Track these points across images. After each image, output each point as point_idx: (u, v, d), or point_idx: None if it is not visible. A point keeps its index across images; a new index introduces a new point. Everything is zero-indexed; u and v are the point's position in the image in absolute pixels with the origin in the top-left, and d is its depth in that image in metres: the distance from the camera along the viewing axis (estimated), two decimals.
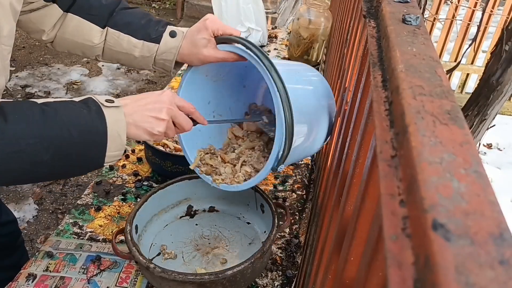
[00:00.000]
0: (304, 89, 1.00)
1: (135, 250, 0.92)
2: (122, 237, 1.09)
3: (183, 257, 1.06)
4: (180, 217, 1.17)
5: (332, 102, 1.05)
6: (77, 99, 0.76)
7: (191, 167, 1.06)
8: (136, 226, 1.02)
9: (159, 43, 1.00)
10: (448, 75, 2.93)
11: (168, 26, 1.01)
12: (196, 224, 1.16)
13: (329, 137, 1.06)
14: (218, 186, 1.02)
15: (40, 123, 0.69)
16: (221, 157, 1.08)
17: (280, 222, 1.03)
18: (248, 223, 1.16)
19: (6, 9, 0.81)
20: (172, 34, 1.00)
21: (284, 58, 2.18)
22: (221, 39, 0.94)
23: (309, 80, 1.04)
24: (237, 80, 1.13)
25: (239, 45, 0.90)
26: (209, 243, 1.10)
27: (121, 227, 1.14)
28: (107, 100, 0.76)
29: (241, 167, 1.05)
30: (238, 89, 1.16)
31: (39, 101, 0.73)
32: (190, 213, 1.19)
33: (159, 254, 1.06)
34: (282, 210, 1.12)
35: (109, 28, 1.01)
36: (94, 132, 0.73)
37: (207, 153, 1.09)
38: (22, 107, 0.70)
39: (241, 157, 1.07)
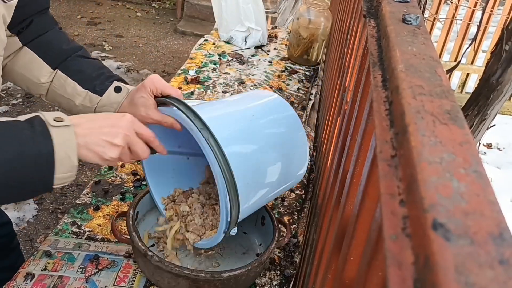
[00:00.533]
0: (256, 143, 0.93)
1: (134, 236, 0.91)
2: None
3: (176, 253, 1.06)
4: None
5: (300, 133, 1.01)
6: (23, 117, 0.72)
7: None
8: (137, 213, 1.02)
9: (101, 96, 0.99)
10: (448, 75, 2.93)
11: (115, 81, 1.00)
12: None
13: (306, 165, 1.03)
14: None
15: None
16: (175, 209, 1.04)
17: (280, 238, 1.03)
18: (245, 233, 1.15)
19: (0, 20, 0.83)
20: (117, 90, 0.99)
21: (284, 58, 2.18)
22: (159, 100, 0.92)
23: (265, 124, 0.97)
24: None
25: (174, 107, 0.87)
26: None
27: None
28: (56, 119, 0.72)
29: (181, 235, 1.00)
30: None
31: None
32: None
33: (153, 245, 1.06)
34: (283, 228, 1.11)
35: (58, 70, 1.00)
36: (37, 155, 0.69)
37: (172, 201, 1.06)
38: None
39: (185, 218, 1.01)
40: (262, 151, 0.92)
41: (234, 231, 0.86)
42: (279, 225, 1.05)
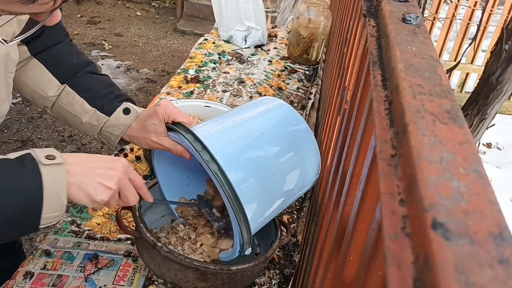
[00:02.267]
0: (267, 163, 0.92)
1: (142, 227, 0.91)
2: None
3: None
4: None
5: (310, 143, 1.01)
6: (13, 155, 0.70)
7: None
8: (141, 207, 1.01)
9: (109, 116, 0.98)
10: (448, 74, 2.93)
11: (125, 103, 0.99)
12: None
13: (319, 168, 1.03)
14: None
15: None
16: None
17: (282, 237, 1.04)
18: None
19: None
20: (126, 112, 0.98)
21: (284, 57, 2.18)
22: (169, 127, 0.93)
23: (274, 141, 0.95)
24: None
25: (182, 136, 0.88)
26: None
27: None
28: (47, 156, 0.70)
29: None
30: None
31: None
32: None
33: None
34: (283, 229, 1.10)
35: (67, 86, 0.99)
36: (26, 195, 0.67)
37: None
38: None
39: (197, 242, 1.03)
40: (273, 170, 0.92)
41: (248, 251, 0.89)
42: (280, 225, 1.05)
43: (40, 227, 0.70)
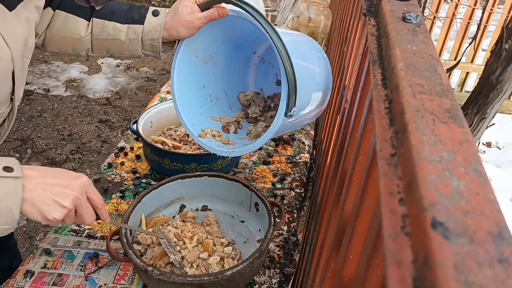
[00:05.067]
0: (297, 42, 1.01)
1: (131, 253, 0.91)
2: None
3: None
4: (173, 217, 1.16)
5: (326, 60, 1.08)
6: None
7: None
8: (131, 232, 1.02)
9: (143, 24, 1.02)
10: (448, 73, 2.93)
11: (151, 7, 1.04)
12: None
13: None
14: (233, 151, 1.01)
15: None
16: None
17: (277, 220, 1.03)
18: (242, 221, 1.16)
19: (31, 26, 0.88)
20: (155, 13, 1.02)
21: None
22: (205, 5, 0.96)
23: (309, 47, 1.05)
24: (226, 62, 1.16)
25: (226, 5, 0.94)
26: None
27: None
28: (5, 168, 0.68)
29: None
30: (229, 72, 1.18)
31: None
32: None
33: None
34: (277, 209, 1.11)
35: (94, 18, 1.04)
36: None
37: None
38: None
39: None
40: (309, 63, 0.99)
41: (294, 111, 0.87)
42: (273, 209, 1.05)
43: None
